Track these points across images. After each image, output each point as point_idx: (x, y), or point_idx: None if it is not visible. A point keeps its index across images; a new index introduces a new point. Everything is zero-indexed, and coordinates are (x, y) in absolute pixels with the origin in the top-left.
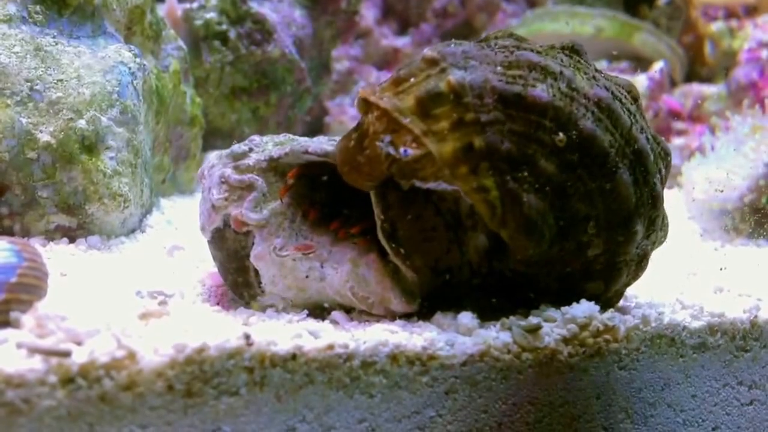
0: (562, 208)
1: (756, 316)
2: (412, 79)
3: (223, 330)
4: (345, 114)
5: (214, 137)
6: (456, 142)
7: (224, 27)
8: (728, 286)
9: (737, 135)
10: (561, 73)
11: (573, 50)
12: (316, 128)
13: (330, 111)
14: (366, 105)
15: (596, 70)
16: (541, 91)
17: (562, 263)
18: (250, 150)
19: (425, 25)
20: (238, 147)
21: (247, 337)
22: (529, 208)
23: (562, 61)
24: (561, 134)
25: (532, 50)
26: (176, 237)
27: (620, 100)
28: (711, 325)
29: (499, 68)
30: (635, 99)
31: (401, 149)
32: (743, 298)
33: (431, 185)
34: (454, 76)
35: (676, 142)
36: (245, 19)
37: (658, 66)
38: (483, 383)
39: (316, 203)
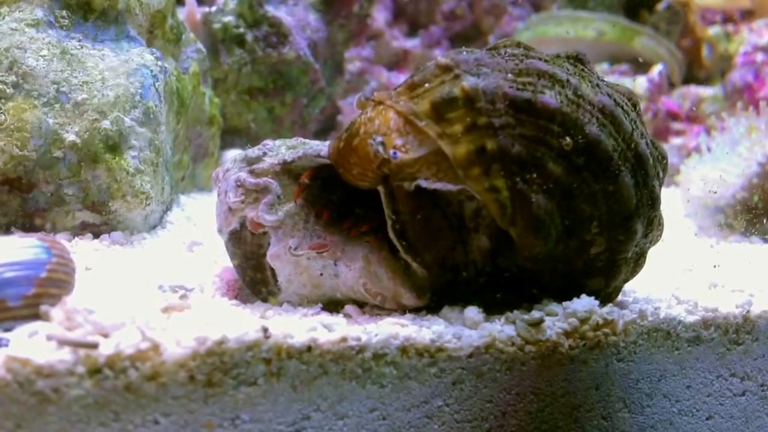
0: (568, 209)
1: (748, 311)
2: (427, 85)
3: (241, 323)
4: (357, 113)
5: (232, 136)
6: (469, 144)
7: (241, 30)
8: (722, 281)
9: (732, 135)
10: (568, 81)
11: (577, 59)
12: (329, 127)
13: (342, 110)
14: (366, 106)
15: (599, 78)
16: (549, 97)
17: (566, 261)
18: (264, 154)
19: (434, 28)
20: (252, 151)
21: (265, 330)
22: (537, 208)
23: (568, 69)
24: (568, 138)
25: (540, 59)
26: (195, 233)
27: (622, 107)
28: (705, 320)
29: (510, 75)
30: (635, 105)
31: (391, 151)
32: (736, 293)
33: (437, 186)
34: (468, 82)
35: (674, 142)
36: (262, 23)
37: (657, 69)
38: (488, 374)
39: (328, 204)
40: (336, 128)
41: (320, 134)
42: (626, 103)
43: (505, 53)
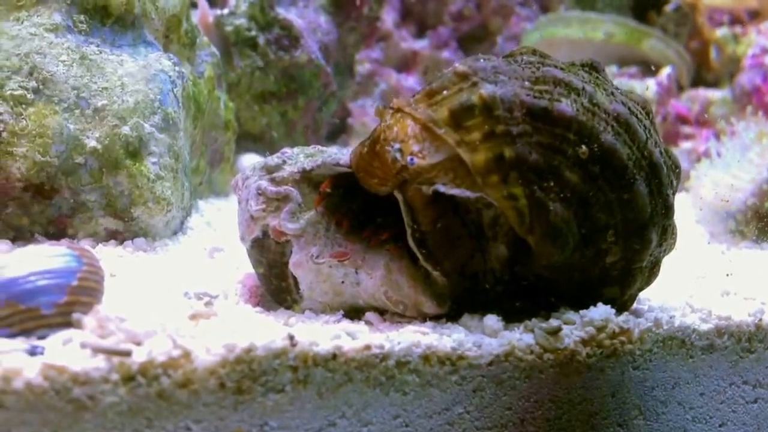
0: (584, 217)
1: (760, 319)
2: (445, 92)
3: (268, 331)
4: (367, 115)
5: (245, 140)
6: (488, 152)
7: (253, 33)
8: (734, 289)
9: (743, 141)
10: (583, 89)
11: (592, 67)
12: (339, 129)
13: (352, 112)
14: (384, 114)
15: (614, 86)
16: (565, 105)
17: (582, 269)
18: (283, 162)
19: (442, 28)
20: (271, 159)
21: (291, 338)
22: (554, 216)
23: (583, 77)
24: (584, 147)
25: (555, 66)
26: (215, 238)
27: (636, 116)
28: (718, 328)
29: (526, 83)
30: (648, 114)
31: (408, 158)
32: (748, 301)
33: (455, 192)
34: (486, 90)
35: (684, 146)
36: (273, 25)
37: (666, 71)
38: (507, 382)
39: (348, 212)
40: (346, 131)
41: (331, 137)
42: (640, 112)
43: (521, 61)
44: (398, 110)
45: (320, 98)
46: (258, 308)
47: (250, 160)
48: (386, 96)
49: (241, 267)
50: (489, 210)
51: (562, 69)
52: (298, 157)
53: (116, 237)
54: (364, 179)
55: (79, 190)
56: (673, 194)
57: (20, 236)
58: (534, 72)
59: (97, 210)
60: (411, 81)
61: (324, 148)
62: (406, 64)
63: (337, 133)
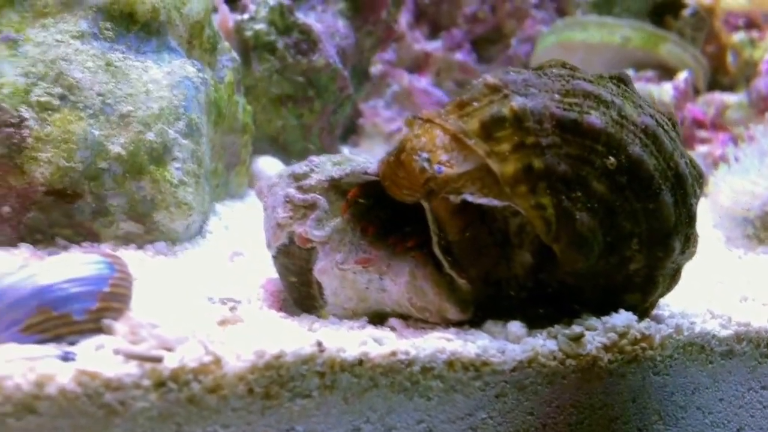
0: (610, 226)
1: None
2: (475, 104)
3: (294, 336)
4: (378, 116)
5: (261, 142)
6: (517, 163)
7: (272, 37)
8: (752, 295)
9: (761, 146)
10: (612, 101)
11: (620, 79)
12: (350, 130)
13: (364, 113)
14: (413, 124)
15: (642, 99)
16: (595, 118)
17: (606, 276)
18: (311, 170)
19: (456, 30)
20: (298, 167)
21: (319, 344)
22: (581, 225)
23: (612, 90)
24: (612, 158)
25: (585, 79)
26: (235, 242)
27: (663, 127)
28: (738, 334)
29: (556, 96)
30: (674, 125)
31: (436, 167)
32: (767, 307)
33: (483, 201)
34: (516, 102)
35: (700, 150)
36: (292, 30)
37: (682, 76)
38: (530, 387)
39: (374, 220)
40: (357, 131)
41: (341, 138)
42: (666, 123)
43: (551, 73)
44: (428, 121)
45: (336, 101)
46: (282, 313)
47: (265, 162)
48: (398, 97)
49: (262, 271)
50: (515, 218)
51: (591, 82)
52: (325, 165)
53: (137, 241)
54: (390, 188)
55: (102, 194)
56: (697, 203)
57: (42, 240)
58: (564, 85)
59: (119, 214)
60: (423, 82)
61: (351, 156)
62: (418, 65)
63: (348, 133)
